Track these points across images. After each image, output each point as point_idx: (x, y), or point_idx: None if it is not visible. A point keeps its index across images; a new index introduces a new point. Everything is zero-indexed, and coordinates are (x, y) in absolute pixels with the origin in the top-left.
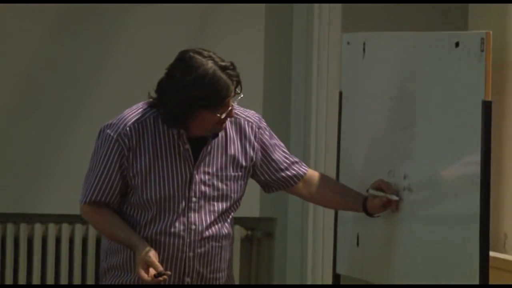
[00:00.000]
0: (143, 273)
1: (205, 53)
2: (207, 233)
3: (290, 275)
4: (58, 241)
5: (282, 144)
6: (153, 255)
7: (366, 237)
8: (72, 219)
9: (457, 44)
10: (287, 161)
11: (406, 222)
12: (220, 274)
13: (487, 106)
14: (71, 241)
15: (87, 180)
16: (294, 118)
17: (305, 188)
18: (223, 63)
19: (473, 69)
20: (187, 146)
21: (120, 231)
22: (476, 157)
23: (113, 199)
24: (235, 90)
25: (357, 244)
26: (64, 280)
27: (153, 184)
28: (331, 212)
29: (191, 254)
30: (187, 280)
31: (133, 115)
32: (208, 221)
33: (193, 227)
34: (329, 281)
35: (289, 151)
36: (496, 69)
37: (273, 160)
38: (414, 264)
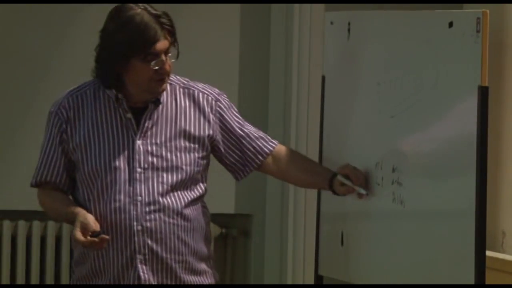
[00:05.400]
0: (79, 234)
1: (140, 4)
2: (156, 205)
3: (268, 277)
4: (13, 239)
5: (247, 123)
6: (91, 218)
7: (352, 236)
8: (30, 216)
9: (450, 24)
10: (251, 136)
11: (395, 219)
12: (181, 258)
13: (483, 92)
14: (28, 239)
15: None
16: (273, 105)
17: (274, 164)
18: (155, 12)
19: (469, 51)
20: (129, 115)
21: (61, 204)
22: (472, 148)
23: (59, 178)
24: (171, 42)
25: (342, 243)
26: (20, 280)
27: (93, 155)
28: (313, 207)
29: (139, 227)
30: (140, 257)
31: (74, 89)
32: (156, 192)
33: (139, 198)
34: (310, 283)
35: None
36: (494, 52)
37: (235, 136)
38: (404, 265)
